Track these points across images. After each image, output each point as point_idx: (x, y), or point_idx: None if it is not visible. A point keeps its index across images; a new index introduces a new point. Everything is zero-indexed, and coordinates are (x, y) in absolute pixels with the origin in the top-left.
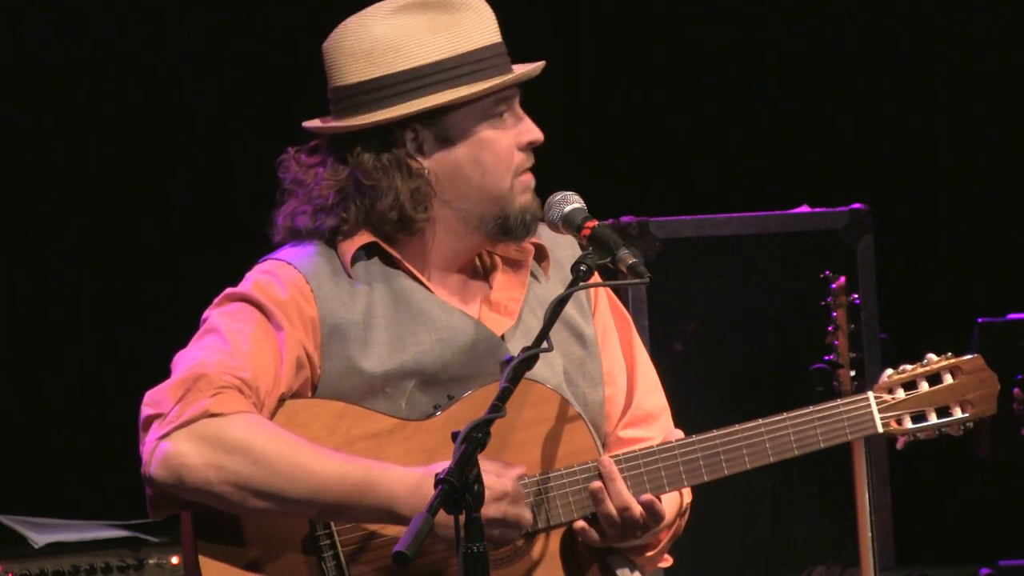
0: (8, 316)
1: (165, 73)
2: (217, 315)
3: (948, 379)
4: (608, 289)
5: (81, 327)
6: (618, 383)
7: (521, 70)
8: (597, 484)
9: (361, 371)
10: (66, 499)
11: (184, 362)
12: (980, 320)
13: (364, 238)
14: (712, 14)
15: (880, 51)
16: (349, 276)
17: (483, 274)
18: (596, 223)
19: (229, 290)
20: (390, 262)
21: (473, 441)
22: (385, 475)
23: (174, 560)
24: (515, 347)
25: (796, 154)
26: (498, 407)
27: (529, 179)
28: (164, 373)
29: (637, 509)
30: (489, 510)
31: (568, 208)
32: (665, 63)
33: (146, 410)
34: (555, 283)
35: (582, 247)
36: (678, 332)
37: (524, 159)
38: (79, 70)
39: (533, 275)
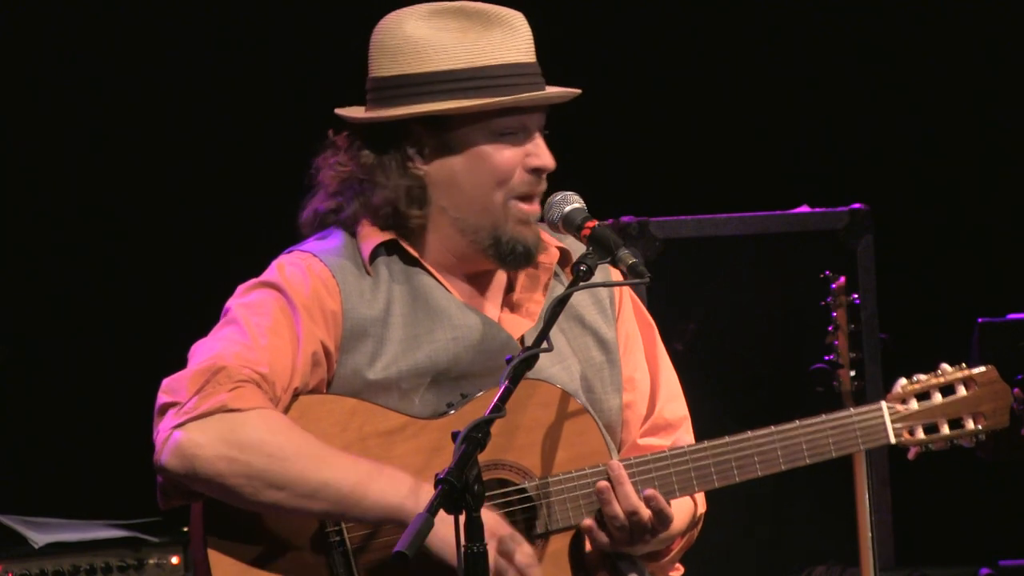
0: (8, 316)
1: (161, 70)
2: (238, 306)
3: (961, 390)
4: (634, 295)
5: (82, 327)
6: (639, 389)
7: (552, 91)
8: (604, 484)
9: (374, 369)
10: (66, 499)
11: (203, 352)
12: (980, 320)
13: (384, 235)
14: (712, 14)
15: (880, 51)
16: (368, 272)
17: (506, 276)
18: (596, 223)
19: (252, 280)
20: (409, 260)
21: (473, 441)
22: (395, 474)
23: (174, 560)
24: None
25: (796, 154)
26: (499, 407)
27: (529, 210)
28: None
29: (646, 513)
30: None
31: (568, 208)
32: (665, 63)
33: (163, 397)
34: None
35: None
36: (678, 332)
37: (525, 181)
38: (79, 66)
39: (557, 278)
